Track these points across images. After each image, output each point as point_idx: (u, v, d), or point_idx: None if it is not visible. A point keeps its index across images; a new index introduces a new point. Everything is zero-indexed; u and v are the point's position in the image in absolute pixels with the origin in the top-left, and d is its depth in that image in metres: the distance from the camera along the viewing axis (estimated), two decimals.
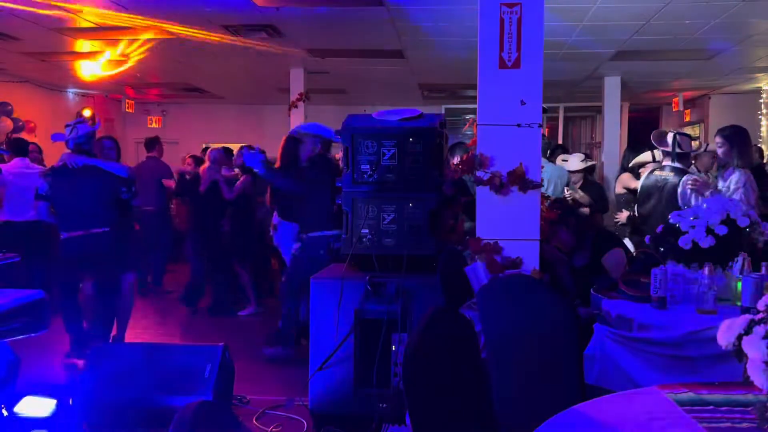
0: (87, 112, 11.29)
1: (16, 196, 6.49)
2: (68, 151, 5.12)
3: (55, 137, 5.24)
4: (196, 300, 7.20)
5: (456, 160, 5.69)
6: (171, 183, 8.09)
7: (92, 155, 5.16)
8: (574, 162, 6.76)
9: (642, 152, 5.97)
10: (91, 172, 5.02)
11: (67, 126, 5.21)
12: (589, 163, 6.90)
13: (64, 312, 5.18)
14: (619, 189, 6.18)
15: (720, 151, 4.55)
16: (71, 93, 12.03)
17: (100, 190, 5.05)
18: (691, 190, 4.28)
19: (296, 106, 9.25)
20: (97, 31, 7.45)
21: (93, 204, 5.02)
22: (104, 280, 5.21)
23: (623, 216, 5.66)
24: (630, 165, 6.16)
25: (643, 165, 5.69)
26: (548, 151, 6.76)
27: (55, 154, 6.11)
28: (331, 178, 5.17)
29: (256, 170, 5.36)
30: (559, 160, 6.84)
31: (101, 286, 5.23)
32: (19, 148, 6.82)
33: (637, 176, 5.71)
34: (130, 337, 5.68)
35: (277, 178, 5.44)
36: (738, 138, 4.56)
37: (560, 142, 12.36)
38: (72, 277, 5.23)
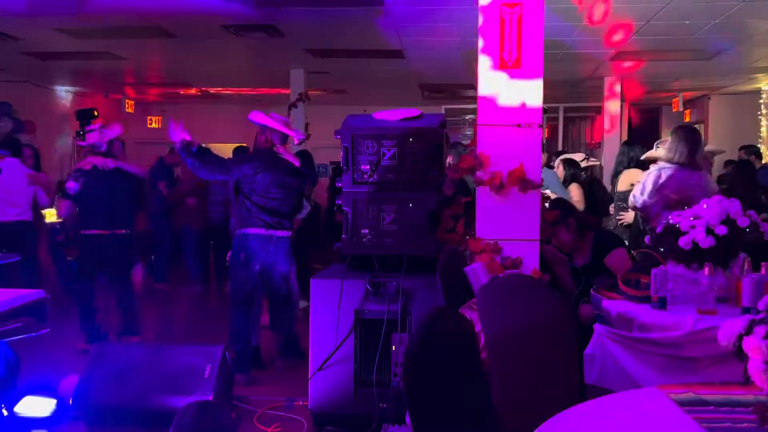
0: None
1: (1, 197, 6.47)
2: (92, 153, 5.46)
3: (92, 139, 5.49)
4: None
5: (450, 160, 5.64)
6: (162, 185, 8.18)
7: (116, 158, 5.54)
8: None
9: (638, 146, 5.85)
10: (119, 174, 5.43)
11: (91, 130, 5.55)
12: (591, 163, 6.86)
13: (81, 300, 5.57)
14: (625, 186, 5.75)
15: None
16: (71, 93, 12.02)
17: (126, 192, 5.48)
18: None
19: (296, 106, 9.25)
20: (98, 31, 7.45)
21: (120, 205, 5.43)
22: (120, 275, 5.62)
23: (629, 216, 5.56)
24: (643, 158, 5.91)
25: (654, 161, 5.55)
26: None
27: (52, 155, 6.16)
28: (269, 173, 4.79)
29: (174, 143, 4.85)
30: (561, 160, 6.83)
31: (117, 281, 5.62)
32: (13, 148, 6.74)
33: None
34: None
35: (186, 157, 4.76)
36: (675, 135, 4.53)
37: (560, 142, 12.38)
38: (91, 271, 5.60)
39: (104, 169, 5.34)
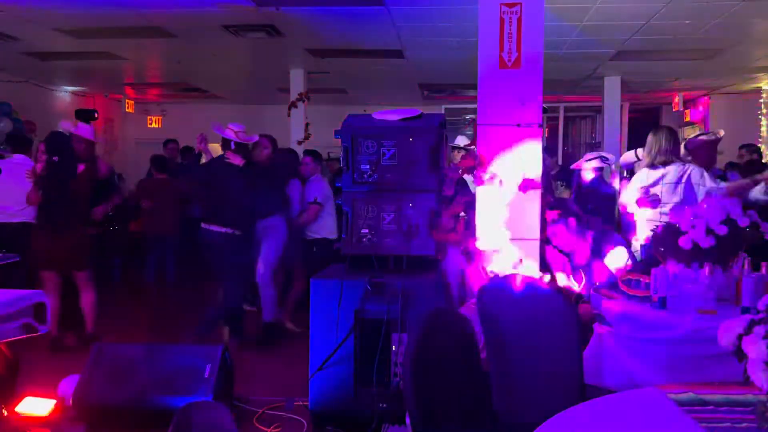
0: None
1: (3, 195, 5.88)
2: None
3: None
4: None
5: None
6: None
7: None
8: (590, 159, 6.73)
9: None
10: None
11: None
12: (601, 164, 6.73)
13: None
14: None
15: None
16: (71, 93, 12.02)
17: None
18: None
19: (296, 106, 9.25)
20: (98, 31, 7.45)
21: None
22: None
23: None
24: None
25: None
26: None
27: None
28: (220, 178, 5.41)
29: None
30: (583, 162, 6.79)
31: None
32: (19, 143, 6.23)
33: None
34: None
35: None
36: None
37: (560, 141, 12.37)
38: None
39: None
